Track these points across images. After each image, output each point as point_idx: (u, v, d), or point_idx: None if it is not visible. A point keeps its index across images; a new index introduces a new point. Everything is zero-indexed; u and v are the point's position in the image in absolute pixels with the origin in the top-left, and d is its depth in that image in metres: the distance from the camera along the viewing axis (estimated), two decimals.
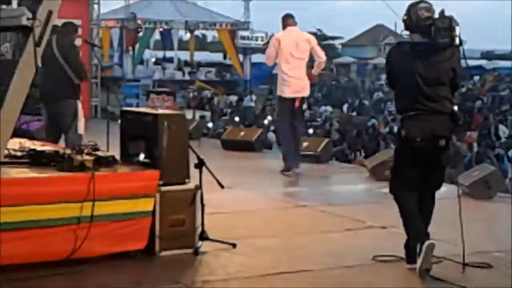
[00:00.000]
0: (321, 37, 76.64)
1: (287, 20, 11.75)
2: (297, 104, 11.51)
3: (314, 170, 12.65)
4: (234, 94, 35.39)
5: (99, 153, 6.81)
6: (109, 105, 12.61)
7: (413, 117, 6.50)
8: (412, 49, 6.56)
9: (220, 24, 41.07)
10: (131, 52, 38.36)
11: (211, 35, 59.65)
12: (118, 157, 7.02)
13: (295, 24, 11.80)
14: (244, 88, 39.12)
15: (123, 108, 8.06)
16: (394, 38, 50.53)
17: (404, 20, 6.66)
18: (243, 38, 41.51)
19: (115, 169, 6.72)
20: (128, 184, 6.57)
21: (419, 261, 6.33)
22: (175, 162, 6.82)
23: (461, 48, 6.57)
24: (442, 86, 6.53)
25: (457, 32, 6.40)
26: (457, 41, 6.43)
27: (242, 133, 15.12)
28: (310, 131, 21.69)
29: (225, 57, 46.30)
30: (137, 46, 38.70)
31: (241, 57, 41.83)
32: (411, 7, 6.60)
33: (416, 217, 6.54)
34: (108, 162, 6.74)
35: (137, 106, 23.95)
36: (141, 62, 41.75)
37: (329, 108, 31.71)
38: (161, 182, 6.68)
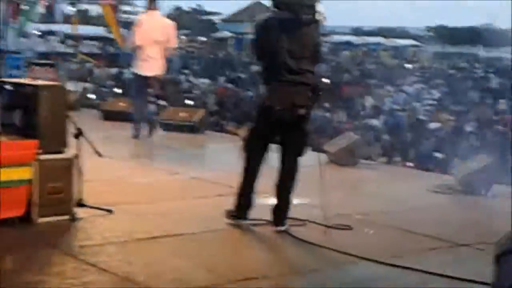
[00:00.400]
0: (201, 13, 76.52)
1: (151, 4, 12.34)
2: (152, 82, 12.24)
3: (189, 139, 12.70)
4: (115, 67, 34.94)
5: None
6: None
7: (276, 87, 6.65)
8: (279, 24, 6.66)
9: None
10: (14, 25, 37.36)
11: (94, 9, 58.62)
12: None
13: (157, 8, 12.38)
14: (125, 60, 38.64)
15: (2, 79, 7.86)
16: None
17: None
18: (125, 12, 41.09)
19: None
20: (6, 153, 6.42)
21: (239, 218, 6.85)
22: (53, 131, 6.72)
23: (322, 24, 6.76)
24: (305, 59, 6.68)
25: (319, 9, 6.56)
26: (319, 17, 6.62)
27: (122, 104, 14.99)
28: (188, 102, 21.65)
29: (109, 31, 45.63)
30: (20, 18, 37.73)
31: (123, 31, 41.32)
32: None
33: (253, 183, 6.80)
34: None
35: (20, 77, 23.33)
36: (25, 35, 40.72)
37: (206, 81, 31.65)
38: (39, 151, 6.58)
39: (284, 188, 6.84)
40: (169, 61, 12.70)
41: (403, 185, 9.73)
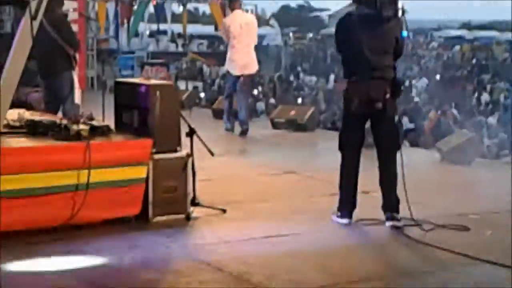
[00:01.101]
0: (308, 9, 76.53)
1: (234, 4, 12.68)
2: (243, 81, 12.43)
3: (301, 138, 12.67)
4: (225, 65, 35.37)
5: (94, 123, 6.83)
6: (104, 76, 12.58)
7: (355, 82, 6.82)
8: (360, 20, 6.80)
9: None
10: (126, 25, 38.15)
11: (203, 8, 59.34)
12: (112, 126, 7.04)
13: (240, 7, 12.73)
14: None
15: (117, 79, 8.05)
16: None
17: None
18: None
19: (110, 138, 6.73)
20: (122, 152, 6.58)
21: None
22: (167, 130, 6.83)
23: (402, 18, 6.88)
24: (387, 54, 6.81)
25: (399, 5, 6.74)
26: (399, 13, 6.77)
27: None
28: (298, 100, 21.69)
29: (216, 29, 46.09)
30: (132, 19, 38.49)
31: None
32: None
33: (353, 181, 6.90)
34: (103, 131, 6.76)
35: (132, 77, 23.87)
36: (136, 34, 41.51)
37: (314, 78, 31.62)
38: (154, 150, 6.69)
39: (387, 184, 6.86)
40: (278, 59, 12.90)
41: None
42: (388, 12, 6.70)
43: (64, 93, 9.82)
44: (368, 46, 6.71)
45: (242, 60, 12.34)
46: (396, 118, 7.00)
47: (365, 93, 6.73)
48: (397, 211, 6.79)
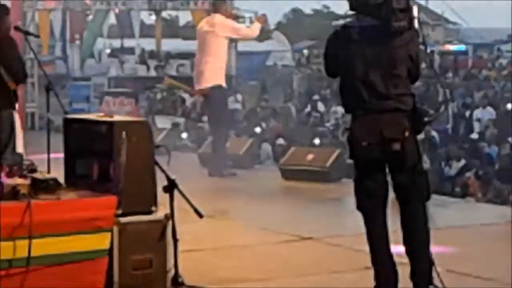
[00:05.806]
0: (328, 16, 76.88)
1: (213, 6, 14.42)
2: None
3: (321, 191, 12.65)
4: None
5: (37, 175, 6.84)
6: (49, 112, 12.61)
7: (361, 116, 6.84)
8: (361, 34, 6.81)
9: (194, 3, 40.98)
10: (78, 42, 38.32)
11: (183, 17, 59.57)
12: (62, 179, 7.05)
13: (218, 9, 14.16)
14: (229, 85, 39.02)
15: (67, 115, 8.09)
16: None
17: None
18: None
19: (58, 196, 6.73)
20: (75, 214, 6.57)
21: None
22: (137, 185, 6.86)
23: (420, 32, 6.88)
24: (398, 78, 6.80)
25: (415, 13, 6.76)
26: (416, 23, 6.75)
27: (226, 144, 15.10)
28: (316, 140, 21.66)
29: None
30: (85, 33, 38.67)
31: None
32: None
33: (382, 246, 6.93)
34: (49, 186, 6.76)
35: (88, 112, 23.93)
36: (92, 54, 41.68)
37: (340, 109, 31.58)
38: (119, 212, 6.72)
39: (414, 247, 6.91)
40: (288, 84, 13.10)
41: None
42: (400, 22, 6.68)
43: (2, 139, 9.74)
44: (374, 68, 6.75)
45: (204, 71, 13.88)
46: (424, 161, 7.01)
47: (377, 132, 6.75)
48: (430, 282, 6.85)
